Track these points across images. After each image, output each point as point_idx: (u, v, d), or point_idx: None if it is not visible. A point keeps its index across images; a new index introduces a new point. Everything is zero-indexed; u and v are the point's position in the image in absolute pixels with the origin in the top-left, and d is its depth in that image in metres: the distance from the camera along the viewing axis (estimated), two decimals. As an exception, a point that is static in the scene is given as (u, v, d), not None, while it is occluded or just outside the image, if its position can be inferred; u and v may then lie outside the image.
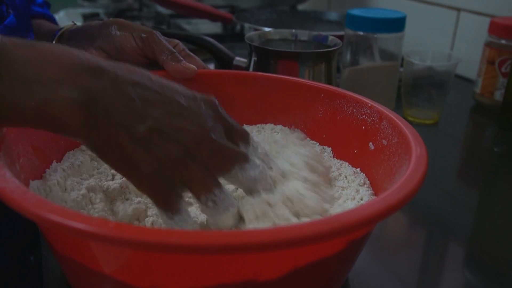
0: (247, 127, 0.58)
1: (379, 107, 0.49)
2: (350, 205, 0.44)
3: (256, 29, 0.94)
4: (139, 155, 0.35)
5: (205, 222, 0.41)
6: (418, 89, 0.78)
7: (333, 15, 1.17)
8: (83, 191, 0.43)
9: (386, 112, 0.48)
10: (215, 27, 1.22)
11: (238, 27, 1.03)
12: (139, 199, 0.44)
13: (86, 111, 0.34)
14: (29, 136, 0.44)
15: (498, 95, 0.84)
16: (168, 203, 0.36)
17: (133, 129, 0.35)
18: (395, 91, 0.81)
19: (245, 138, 0.41)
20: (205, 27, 1.24)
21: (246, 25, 0.98)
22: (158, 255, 0.30)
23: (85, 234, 0.28)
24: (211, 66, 0.85)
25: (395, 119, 0.46)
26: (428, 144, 0.41)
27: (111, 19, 0.61)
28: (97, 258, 0.33)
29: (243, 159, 0.38)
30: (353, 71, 0.76)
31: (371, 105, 0.50)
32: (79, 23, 0.67)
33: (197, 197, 0.37)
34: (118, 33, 0.59)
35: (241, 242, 0.27)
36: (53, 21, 0.75)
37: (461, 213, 0.58)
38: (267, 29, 0.94)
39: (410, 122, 0.73)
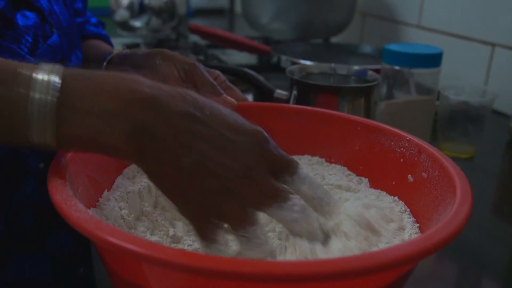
0: None
1: (418, 141, 0.50)
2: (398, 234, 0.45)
3: (293, 62, 0.97)
4: (183, 185, 0.37)
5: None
6: (454, 123, 0.79)
7: (367, 49, 1.19)
8: (132, 217, 0.46)
9: (425, 146, 0.49)
10: (251, 58, 1.25)
11: (274, 58, 1.05)
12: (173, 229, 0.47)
13: (137, 142, 0.36)
14: (85, 167, 0.46)
15: (535, 131, 0.85)
16: (205, 233, 0.38)
17: (178, 162, 0.36)
18: (431, 124, 0.83)
19: (291, 168, 0.41)
20: (240, 58, 1.26)
21: (283, 57, 1.01)
22: (210, 280, 0.32)
23: (145, 257, 0.30)
24: (250, 96, 0.87)
25: (435, 152, 0.47)
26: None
27: (156, 49, 0.63)
28: (149, 279, 0.35)
29: (282, 198, 0.38)
30: (390, 105, 0.78)
31: (409, 138, 0.51)
32: (127, 50, 0.70)
33: (233, 229, 0.38)
34: (162, 63, 0.60)
35: (288, 273, 0.29)
36: (108, 40, 0.78)
37: (496, 249, 0.59)
38: (303, 61, 0.97)
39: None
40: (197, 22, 2.01)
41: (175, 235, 0.47)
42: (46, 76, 0.36)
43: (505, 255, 0.59)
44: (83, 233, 0.33)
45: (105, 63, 0.68)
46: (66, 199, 0.37)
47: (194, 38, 1.41)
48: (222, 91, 0.58)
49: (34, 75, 0.36)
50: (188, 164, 0.36)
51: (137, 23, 1.49)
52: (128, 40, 1.48)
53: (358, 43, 1.46)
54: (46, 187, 0.44)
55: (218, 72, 0.62)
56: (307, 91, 0.66)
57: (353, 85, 0.68)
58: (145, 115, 0.37)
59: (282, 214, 0.39)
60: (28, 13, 0.56)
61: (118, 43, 1.42)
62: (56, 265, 0.58)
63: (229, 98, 0.58)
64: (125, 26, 1.51)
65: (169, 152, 0.37)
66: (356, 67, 0.71)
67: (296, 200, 0.39)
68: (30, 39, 0.55)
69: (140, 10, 1.48)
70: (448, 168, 0.44)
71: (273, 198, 0.38)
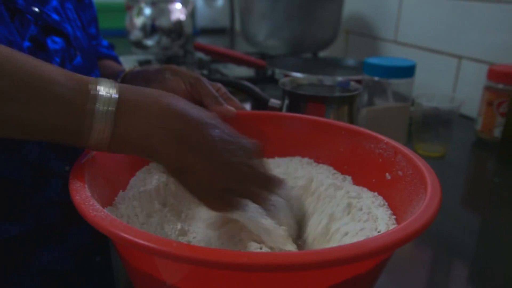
0: (278, 159, 0.59)
1: (394, 143, 0.50)
2: (378, 223, 0.45)
3: (285, 74, 0.96)
4: (212, 180, 0.41)
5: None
6: (427, 126, 0.79)
7: (350, 62, 1.19)
8: (143, 214, 0.46)
9: (401, 148, 0.49)
10: (248, 71, 1.25)
11: (269, 71, 1.05)
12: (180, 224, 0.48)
13: (176, 145, 0.39)
14: (102, 170, 0.46)
15: (497, 132, 0.84)
16: (235, 206, 0.42)
17: (210, 160, 0.40)
18: (406, 128, 0.82)
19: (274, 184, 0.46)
20: (239, 71, 1.26)
21: (277, 70, 1.01)
22: (215, 270, 0.32)
23: (153, 251, 0.30)
24: (247, 105, 0.87)
25: (409, 153, 0.47)
26: (436, 174, 0.42)
27: (165, 65, 0.63)
28: (160, 270, 0.35)
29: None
30: (371, 111, 0.78)
31: (386, 141, 0.51)
32: (138, 67, 0.70)
33: (260, 206, 0.42)
34: (171, 77, 0.60)
35: (289, 263, 0.29)
36: (117, 60, 0.79)
37: (465, 237, 0.58)
38: (294, 73, 0.96)
39: (420, 155, 0.74)
40: (202, 40, 2.01)
41: (182, 228, 0.47)
42: (107, 89, 0.39)
43: (472, 241, 0.59)
44: (99, 230, 0.33)
45: (119, 80, 0.68)
46: (85, 199, 0.37)
47: (199, 54, 1.41)
48: (223, 101, 0.58)
49: (98, 88, 0.39)
50: (219, 163, 0.41)
51: (149, 42, 1.49)
52: (142, 57, 1.47)
53: (343, 57, 1.46)
54: None
55: (219, 84, 0.62)
56: (298, 100, 0.66)
57: (338, 94, 0.67)
58: (184, 126, 0.40)
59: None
60: (56, 38, 0.57)
61: (133, 60, 1.42)
62: (77, 255, 0.58)
63: (229, 107, 0.58)
64: (138, 45, 1.50)
65: (203, 154, 0.40)
66: (340, 78, 0.70)
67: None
68: (58, 61, 0.55)
69: (152, 30, 1.48)
70: (421, 167, 0.44)
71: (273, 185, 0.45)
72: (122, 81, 0.67)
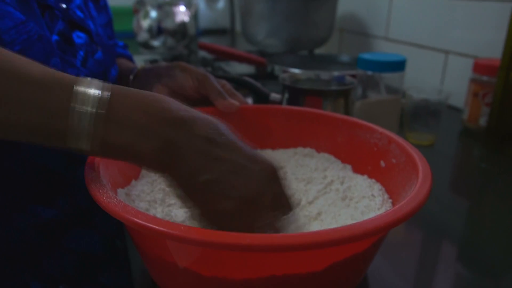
0: (282, 150, 0.59)
1: (388, 133, 0.50)
2: (374, 204, 0.45)
3: (284, 70, 0.96)
4: (197, 198, 0.36)
5: None
6: (417, 116, 0.79)
7: (344, 58, 1.18)
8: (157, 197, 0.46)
9: (394, 137, 0.49)
10: (250, 68, 1.24)
11: (269, 68, 1.05)
12: None
13: (164, 156, 0.35)
14: (115, 162, 0.46)
15: (482, 121, 0.84)
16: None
17: (196, 178, 0.35)
18: (398, 118, 0.82)
19: (286, 209, 0.38)
20: (241, 68, 1.26)
21: (276, 66, 1.01)
22: (224, 252, 0.32)
23: (163, 234, 0.30)
24: (249, 100, 0.87)
25: (402, 142, 0.47)
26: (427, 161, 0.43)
27: (175, 62, 0.63)
28: (171, 253, 0.35)
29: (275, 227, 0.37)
30: (365, 104, 0.78)
31: (381, 131, 0.51)
32: (150, 64, 0.70)
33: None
34: (180, 74, 0.61)
35: (293, 242, 0.29)
36: (131, 59, 0.79)
37: (454, 220, 0.58)
38: (293, 69, 0.96)
39: (411, 144, 0.74)
40: (205, 40, 2.00)
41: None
42: (98, 91, 0.34)
43: (461, 224, 0.59)
44: (113, 216, 0.33)
45: (131, 76, 0.68)
46: (99, 188, 0.37)
47: (202, 53, 1.41)
48: (227, 96, 0.58)
49: (88, 90, 0.34)
50: (204, 181, 0.35)
51: (155, 43, 1.49)
52: (149, 57, 1.47)
53: (337, 53, 1.46)
54: None
55: (224, 81, 0.62)
56: (297, 94, 0.66)
57: (334, 88, 0.67)
58: (174, 133, 0.35)
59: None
60: (80, 34, 0.57)
61: (141, 60, 1.42)
62: (103, 239, 0.59)
63: (232, 101, 0.58)
64: (146, 45, 1.50)
65: (189, 168, 0.35)
66: (336, 73, 0.70)
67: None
68: (82, 54, 0.56)
69: (158, 32, 1.47)
70: (413, 154, 0.44)
71: (269, 225, 0.37)
72: (135, 77, 0.67)
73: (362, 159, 0.53)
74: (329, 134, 0.57)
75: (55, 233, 0.53)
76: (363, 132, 0.53)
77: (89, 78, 0.35)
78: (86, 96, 0.33)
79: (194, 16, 1.56)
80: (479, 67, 0.84)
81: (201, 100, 0.61)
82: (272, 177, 0.37)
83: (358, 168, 0.54)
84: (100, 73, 0.60)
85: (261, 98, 0.72)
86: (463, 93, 0.91)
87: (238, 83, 0.73)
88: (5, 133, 0.34)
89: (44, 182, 0.51)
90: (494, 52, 0.91)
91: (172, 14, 1.49)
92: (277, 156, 0.57)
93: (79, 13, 0.58)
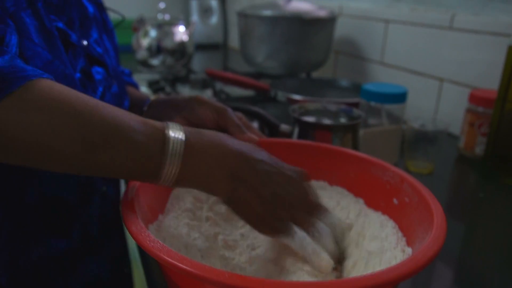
0: None
1: (400, 172, 0.53)
2: (389, 244, 0.48)
3: (288, 97, 0.99)
4: (263, 210, 0.43)
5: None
6: (417, 146, 0.82)
7: (343, 82, 1.22)
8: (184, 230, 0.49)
9: (407, 176, 0.51)
10: (250, 91, 1.26)
11: (272, 93, 1.07)
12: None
13: (232, 183, 0.42)
14: (143, 198, 0.48)
15: (478, 150, 0.88)
16: (285, 232, 0.44)
17: (261, 193, 0.42)
18: (399, 147, 0.86)
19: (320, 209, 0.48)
20: (242, 90, 1.26)
21: (279, 92, 1.03)
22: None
23: (208, 280, 0.33)
24: (255, 124, 0.89)
25: (414, 182, 0.50)
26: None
27: (193, 96, 0.65)
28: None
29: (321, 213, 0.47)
30: (367, 133, 0.81)
31: (393, 170, 0.53)
32: (163, 96, 0.72)
33: (306, 231, 0.44)
34: (199, 107, 0.62)
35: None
36: (137, 87, 0.80)
37: (449, 240, 0.61)
38: (296, 96, 0.99)
39: (411, 172, 0.77)
40: (199, 56, 2.03)
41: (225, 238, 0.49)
42: (177, 133, 0.41)
43: (456, 244, 0.62)
44: (156, 259, 0.36)
45: (145, 107, 0.70)
46: (140, 230, 0.39)
47: (202, 74, 1.43)
48: (246, 130, 0.60)
49: (170, 133, 0.40)
50: (268, 194, 0.43)
51: (154, 62, 1.51)
52: (148, 76, 1.48)
53: (333, 76, 1.49)
54: (107, 204, 0.52)
55: (240, 114, 0.64)
56: (307, 128, 0.68)
57: (343, 123, 0.70)
58: (238, 163, 0.42)
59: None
60: (98, 69, 0.58)
61: (142, 79, 1.43)
62: (112, 265, 0.60)
63: (251, 135, 0.60)
64: (144, 63, 1.52)
65: (254, 187, 0.42)
66: (343, 106, 0.73)
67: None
68: (101, 90, 0.58)
69: (157, 50, 1.50)
70: (426, 196, 0.47)
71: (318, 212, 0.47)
72: (149, 109, 0.69)
73: (375, 195, 0.55)
74: (341, 169, 0.59)
75: (68, 262, 0.55)
76: (375, 169, 0.56)
77: (170, 123, 0.42)
78: (175, 139, 0.40)
79: (192, 34, 1.58)
80: (475, 98, 0.88)
81: (219, 131, 0.63)
82: (306, 178, 0.47)
83: (371, 203, 0.56)
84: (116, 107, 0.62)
85: (271, 128, 0.75)
86: (457, 119, 0.95)
87: (251, 114, 0.76)
88: (108, 173, 0.40)
89: (60, 214, 0.53)
90: (488, 82, 0.96)
91: (171, 34, 1.51)
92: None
93: (98, 48, 0.60)
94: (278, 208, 0.43)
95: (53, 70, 0.48)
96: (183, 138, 0.41)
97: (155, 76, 1.47)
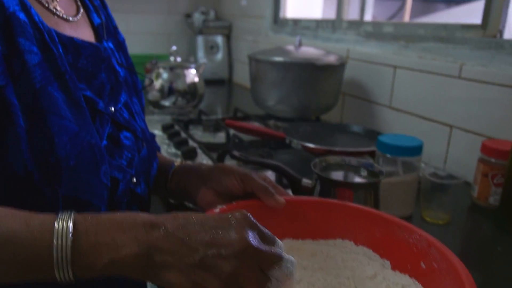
0: (322, 241, 0.63)
1: (427, 235, 0.54)
2: None
3: (302, 145, 1.01)
4: (198, 276, 0.40)
5: None
6: (433, 197, 0.84)
7: (354, 128, 1.24)
8: None
9: (434, 241, 0.52)
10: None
11: (287, 141, 1.10)
12: None
13: (146, 258, 0.40)
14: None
15: (492, 200, 0.90)
16: None
17: (188, 259, 0.40)
18: (415, 197, 0.87)
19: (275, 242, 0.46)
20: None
21: (294, 140, 1.05)
22: None
23: None
24: (272, 176, 0.91)
25: (442, 247, 0.51)
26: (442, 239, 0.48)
27: (217, 165, 0.67)
28: None
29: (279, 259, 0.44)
30: (384, 184, 0.82)
31: (420, 233, 0.54)
32: (188, 162, 0.74)
33: None
34: (223, 176, 0.64)
35: None
36: (159, 150, 0.81)
37: None
38: (310, 144, 1.01)
39: (427, 222, 0.78)
40: (205, 91, 2.05)
41: None
42: (64, 224, 0.39)
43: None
44: None
45: (170, 174, 0.71)
46: None
47: (212, 117, 1.45)
48: (273, 192, 0.62)
49: (55, 224, 0.39)
50: (199, 259, 0.40)
51: (166, 103, 1.54)
52: (159, 117, 1.51)
53: (340, 117, 1.52)
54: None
55: (264, 175, 0.66)
56: (328, 185, 0.70)
57: (364, 181, 0.72)
58: (148, 236, 0.40)
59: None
60: (126, 133, 0.60)
61: (154, 120, 1.46)
62: None
63: (279, 198, 0.61)
64: (156, 104, 1.55)
65: (175, 256, 0.40)
66: (364, 161, 0.75)
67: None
68: (130, 155, 0.59)
69: (169, 92, 1.53)
70: (455, 264, 0.48)
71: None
72: (173, 176, 0.70)
73: (402, 257, 0.56)
74: (367, 228, 0.61)
75: None
76: (401, 231, 0.57)
77: (65, 213, 0.40)
78: (62, 231, 0.39)
79: (202, 75, 1.62)
80: (487, 149, 0.90)
81: (247, 197, 0.64)
82: (248, 219, 0.44)
83: (397, 265, 0.57)
84: (145, 171, 0.63)
85: (293, 183, 0.76)
86: (468, 165, 0.96)
87: (271, 168, 0.78)
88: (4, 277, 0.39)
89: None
90: (498, 131, 0.98)
91: (183, 76, 1.55)
92: (319, 247, 0.61)
93: (125, 114, 0.61)
94: (216, 271, 0.40)
95: (80, 142, 0.49)
96: (69, 226, 0.39)
97: (166, 118, 1.50)
